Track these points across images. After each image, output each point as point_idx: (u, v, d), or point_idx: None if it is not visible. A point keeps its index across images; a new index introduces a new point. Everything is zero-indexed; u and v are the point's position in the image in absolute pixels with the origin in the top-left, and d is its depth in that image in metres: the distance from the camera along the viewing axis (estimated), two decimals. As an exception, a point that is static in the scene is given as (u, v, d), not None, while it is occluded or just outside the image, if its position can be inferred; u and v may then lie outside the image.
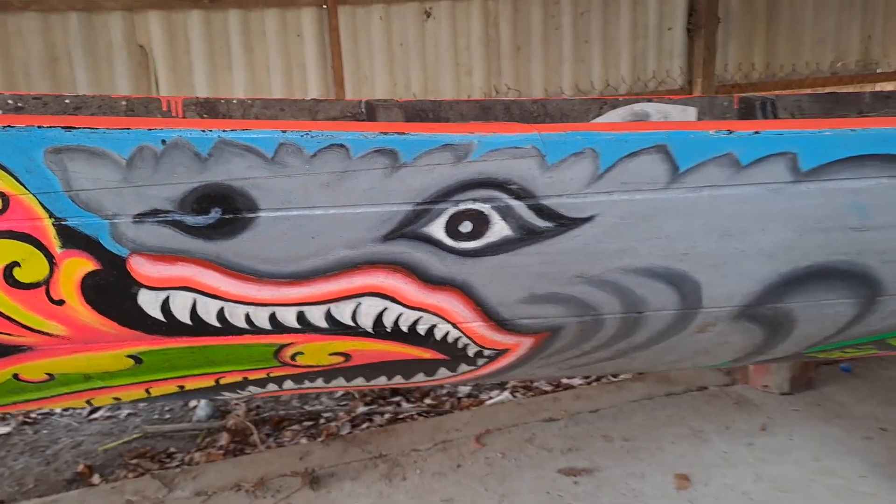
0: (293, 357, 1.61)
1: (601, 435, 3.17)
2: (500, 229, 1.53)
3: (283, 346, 1.58)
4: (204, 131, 1.32)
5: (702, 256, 1.70)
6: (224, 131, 1.34)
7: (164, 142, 1.33)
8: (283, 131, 1.36)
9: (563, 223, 1.56)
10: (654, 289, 1.73)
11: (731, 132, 1.57)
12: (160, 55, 5.45)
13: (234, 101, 2.18)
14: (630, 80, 7.05)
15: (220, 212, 1.38)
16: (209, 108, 2.16)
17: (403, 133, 1.40)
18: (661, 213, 1.61)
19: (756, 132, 1.58)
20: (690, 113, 2.18)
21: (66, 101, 2.04)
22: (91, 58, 5.25)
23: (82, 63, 5.23)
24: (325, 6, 5.85)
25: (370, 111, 2.27)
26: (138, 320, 1.46)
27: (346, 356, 1.65)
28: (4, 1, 4.94)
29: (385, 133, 1.40)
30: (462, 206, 1.49)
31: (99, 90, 5.31)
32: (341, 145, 1.39)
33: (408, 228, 1.48)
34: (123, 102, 2.11)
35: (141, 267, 1.40)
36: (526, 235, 1.55)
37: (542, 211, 1.54)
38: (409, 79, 6.35)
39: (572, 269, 1.62)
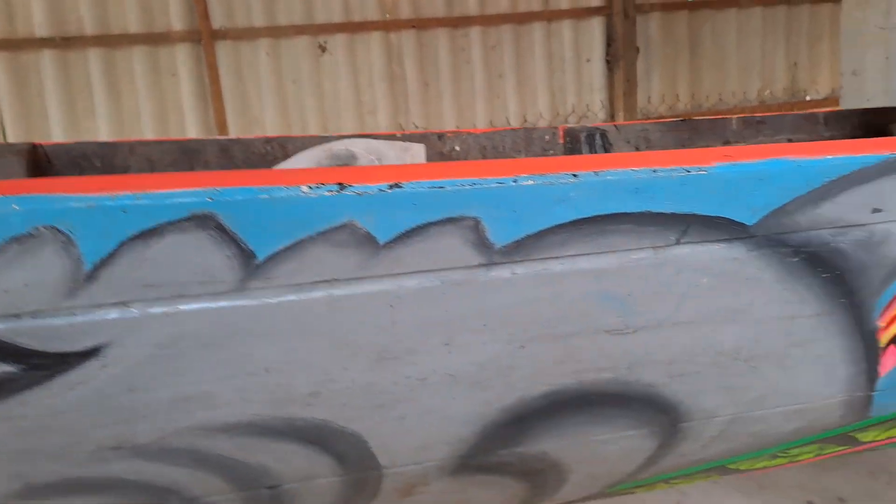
0: None
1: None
2: None
3: None
4: None
5: (348, 396, 0.95)
6: None
7: None
8: None
9: (38, 364, 0.82)
10: (278, 452, 0.97)
11: (343, 187, 0.83)
12: (6, 100, 4.72)
13: None
14: (549, 115, 6.39)
15: None
16: None
17: None
18: (240, 331, 0.87)
19: (393, 186, 0.84)
20: (417, 153, 1.43)
21: None
22: (-75, 106, 4.53)
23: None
24: (200, 41, 5.16)
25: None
26: None
27: None
28: None
29: None
30: None
31: (-67, 140, 4.58)
32: None
33: None
34: None
35: None
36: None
37: (-18, 345, 0.80)
38: (305, 119, 5.64)
39: (92, 437, 0.87)
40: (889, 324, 1.16)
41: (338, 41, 5.62)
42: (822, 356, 1.15)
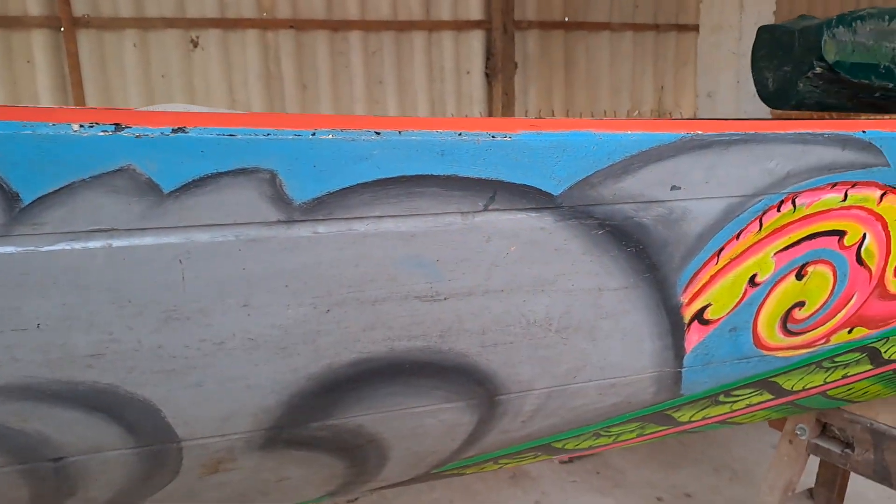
0: None
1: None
2: None
3: None
4: None
5: (135, 358, 0.90)
6: None
7: None
8: None
9: None
10: (59, 419, 0.91)
11: (119, 127, 0.79)
12: None
13: None
14: (428, 123, 6.44)
15: None
16: None
17: None
18: (5, 282, 0.80)
19: (177, 130, 0.81)
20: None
21: None
22: None
23: None
24: (61, 28, 4.86)
25: None
26: None
27: None
28: None
29: None
30: None
31: None
32: None
33: None
34: None
35: None
36: None
37: None
38: (174, 115, 5.41)
39: None
40: (691, 300, 1.22)
41: (211, 37, 5.44)
42: (630, 330, 1.20)
